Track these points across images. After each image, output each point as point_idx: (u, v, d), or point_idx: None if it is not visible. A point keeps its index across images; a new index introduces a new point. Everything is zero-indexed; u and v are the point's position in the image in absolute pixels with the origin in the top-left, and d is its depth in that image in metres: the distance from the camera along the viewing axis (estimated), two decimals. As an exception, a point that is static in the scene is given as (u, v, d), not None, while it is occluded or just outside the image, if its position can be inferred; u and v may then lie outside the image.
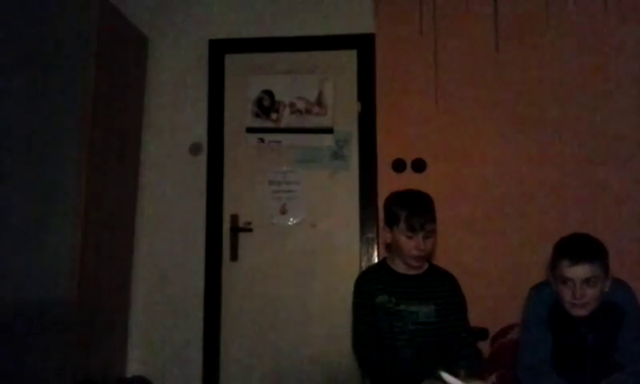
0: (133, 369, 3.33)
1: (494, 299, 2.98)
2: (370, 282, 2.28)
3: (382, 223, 2.41)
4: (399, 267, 2.29)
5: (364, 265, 3.24)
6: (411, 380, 2.16)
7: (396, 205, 2.27)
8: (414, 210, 2.21)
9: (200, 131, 3.48)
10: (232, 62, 3.53)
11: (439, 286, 2.29)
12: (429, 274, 2.32)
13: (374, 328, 2.21)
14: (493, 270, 3.12)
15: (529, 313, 2.24)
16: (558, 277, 2.10)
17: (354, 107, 3.40)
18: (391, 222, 2.26)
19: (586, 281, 2.04)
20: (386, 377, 2.20)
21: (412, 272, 2.29)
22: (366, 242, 3.32)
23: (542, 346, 2.16)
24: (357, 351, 2.30)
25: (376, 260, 3.21)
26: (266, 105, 3.47)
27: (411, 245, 2.21)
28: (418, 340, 2.20)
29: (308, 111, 3.45)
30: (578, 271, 2.04)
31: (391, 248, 2.34)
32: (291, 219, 3.38)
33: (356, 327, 2.29)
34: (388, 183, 3.12)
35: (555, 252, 2.13)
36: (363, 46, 3.40)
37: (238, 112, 3.49)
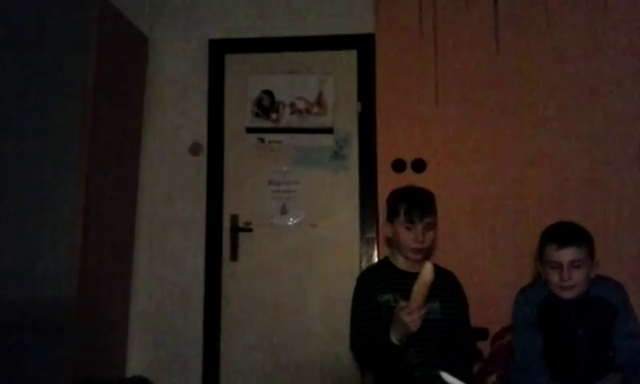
0: (133, 369, 3.33)
1: (494, 299, 2.98)
2: (372, 281, 2.30)
3: (381, 219, 2.43)
4: (401, 264, 2.30)
5: (364, 265, 3.24)
6: (414, 380, 2.18)
7: (396, 199, 2.31)
8: (413, 202, 2.26)
9: (200, 131, 3.48)
10: (232, 61, 3.53)
11: (442, 283, 2.30)
12: None
13: (370, 322, 2.22)
14: (493, 270, 3.12)
15: (517, 316, 2.29)
16: (546, 262, 2.18)
17: (354, 107, 3.41)
18: (392, 215, 2.30)
19: (573, 263, 2.11)
20: (376, 358, 2.21)
21: (415, 269, 2.29)
22: (365, 242, 3.32)
23: (532, 347, 2.20)
24: (352, 345, 2.30)
25: (376, 260, 3.21)
26: (266, 105, 3.47)
27: (410, 237, 2.24)
28: (422, 338, 2.20)
29: (308, 111, 3.45)
30: (565, 254, 2.12)
31: (392, 243, 2.37)
32: (291, 219, 3.38)
33: (352, 322, 2.30)
34: (388, 183, 3.11)
35: (542, 239, 2.21)
36: (363, 45, 3.40)
37: (238, 112, 3.49)
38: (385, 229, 2.37)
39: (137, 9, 3.48)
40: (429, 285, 1.99)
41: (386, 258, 2.40)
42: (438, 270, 2.35)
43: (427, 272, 1.99)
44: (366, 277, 2.35)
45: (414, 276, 2.28)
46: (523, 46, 3.26)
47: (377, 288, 2.27)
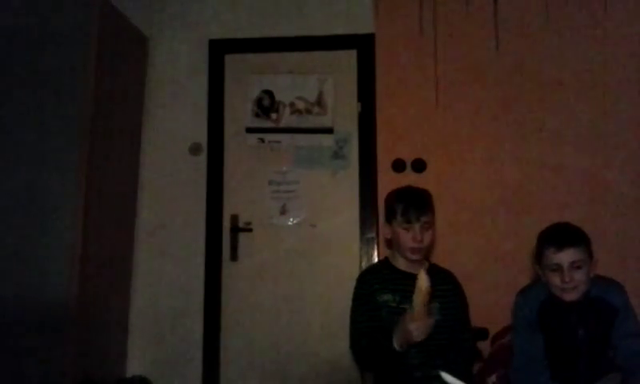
0: (133, 369, 3.33)
1: (494, 299, 2.97)
2: (371, 281, 2.30)
3: (382, 220, 2.44)
4: (401, 265, 2.31)
5: (364, 265, 3.24)
6: (414, 380, 2.18)
7: (393, 200, 2.32)
8: (410, 202, 2.26)
9: (200, 131, 3.48)
10: (232, 61, 3.53)
11: (441, 284, 2.30)
12: (430, 273, 2.33)
13: (370, 322, 2.23)
14: (493, 270, 3.12)
15: (517, 317, 2.28)
16: (545, 266, 2.16)
17: (354, 107, 3.41)
18: (390, 216, 2.30)
19: (573, 264, 2.11)
20: (377, 360, 2.21)
21: (414, 270, 2.30)
22: (366, 242, 3.32)
23: (532, 347, 2.20)
24: (352, 346, 2.31)
25: (376, 260, 3.21)
26: (266, 105, 3.47)
27: (408, 237, 2.24)
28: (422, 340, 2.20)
29: (308, 111, 3.45)
30: (565, 256, 2.11)
31: (392, 244, 2.37)
32: (291, 219, 3.38)
33: (352, 322, 2.30)
34: (388, 183, 3.11)
35: (540, 242, 2.20)
36: (363, 45, 3.40)
37: (238, 112, 3.49)
38: (384, 230, 2.38)
39: (137, 9, 3.47)
40: (427, 292, 1.99)
41: (386, 259, 2.41)
42: (437, 270, 2.36)
43: (422, 280, 1.99)
44: (366, 277, 2.36)
45: (413, 277, 2.28)
46: (523, 45, 3.26)
47: (376, 288, 2.27)
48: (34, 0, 3.00)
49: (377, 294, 2.26)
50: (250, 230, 3.39)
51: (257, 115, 3.48)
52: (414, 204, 2.25)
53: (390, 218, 2.31)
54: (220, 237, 3.40)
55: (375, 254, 3.28)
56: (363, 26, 3.40)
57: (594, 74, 3.19)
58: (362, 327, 2.24)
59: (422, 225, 2.23)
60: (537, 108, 3.22)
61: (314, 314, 3.30)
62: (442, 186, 3.16)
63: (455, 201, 3.18)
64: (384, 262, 2.41)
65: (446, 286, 2.32)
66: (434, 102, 3.28)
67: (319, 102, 3.44)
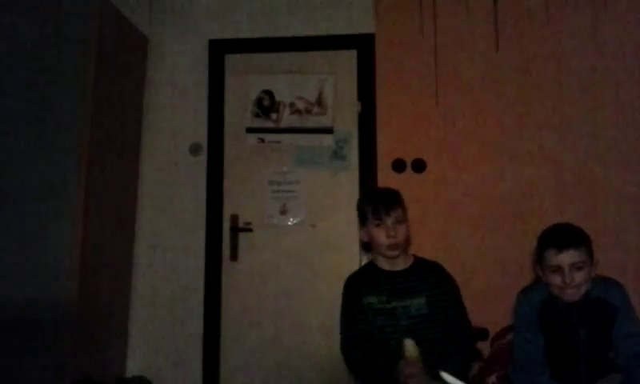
0: (133, 369, 3.33)
1: (494, 299, 2.98)
2: (357, 284, 2.33)
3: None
4: (384, 264, 2.32)
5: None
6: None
7: (364, 202, 2.37)
8: (379, 200, 2.30)
9: (200, 131, 3.48)
10: (232, 62, 3.53)
11: (428, 277, 2.30)
12: (416, 267, 2.34)
13: (360, 328, 2.25)
14: (493, 270, 3.12)
15: (518, 316, 2.28)
16: (546, 267, 2.16)
17: (354, 107, 3.41)
18: (363, 219, 2.33)
19: (574, 265, 2.10)
20: (368, 375, 2.23)
21: (398, 268, 2.31)
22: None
23: (533, 347, 2.20)
24: (342, 351, 2.33)
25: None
26: (266, 105, 3.47)
27: (382, 233, 2.26)
28: (414, 336, 2.20)
29: (308, 111, 3.45)
30: (565, 258, 2.10)
31: (371, 247, 2.39)
32: (291, 219, 3.38)
33: (342, 328, 2.34)
34: (388, 183, 3.09)
35: (541, 243, 2.19)
36: (363, 45, 3.40)
37: (238, 112, 3.49)
38: (361, 235, 2.40)
39: (137, 9, 3.48)
40: (416, 360, 2.04)
41: (371, 261, 2.42)
42: (424, 263, 2.36)
43: (409, 349, 2.05)
44: (352, 280, 2.39)
45: (397, 274, 2.30)
46: (523, 45, 3.26)
47: (363, 290, 2.29)
48: (34, 0, 3.00)
49: (362, 297, 2.28)
50: (250, 230, 3.39)
51: (257, 115, 3.48)
52: (383, 201, 2.28)
53: (363, 221, 2.33)
54: (220, 237, 3.40)
55: (375, 254, 3.28)
56: (363, 26, 3.40)
57: (594, 73, 3.19)
58: (351, 333, 2.28)
59: (393, 220, 2.25)
60: (536, 108, 3.22)
61: (314, 314, 3.29)
62: (442, 186, 3.17)
63: (455, 200, 3.18)
64: (369, 265, 2.43)
65: (431, 279, 2.31)
66: (434, 102, 3.28)
67: (319, 101, 3.44)
